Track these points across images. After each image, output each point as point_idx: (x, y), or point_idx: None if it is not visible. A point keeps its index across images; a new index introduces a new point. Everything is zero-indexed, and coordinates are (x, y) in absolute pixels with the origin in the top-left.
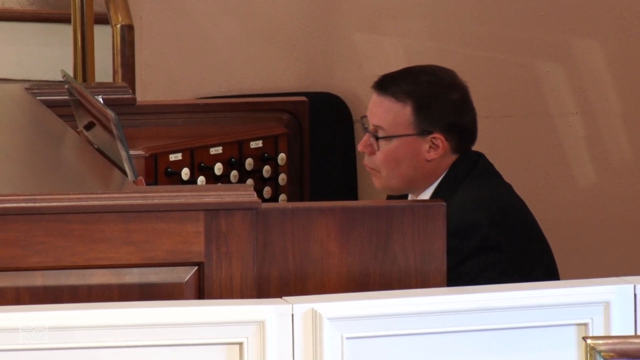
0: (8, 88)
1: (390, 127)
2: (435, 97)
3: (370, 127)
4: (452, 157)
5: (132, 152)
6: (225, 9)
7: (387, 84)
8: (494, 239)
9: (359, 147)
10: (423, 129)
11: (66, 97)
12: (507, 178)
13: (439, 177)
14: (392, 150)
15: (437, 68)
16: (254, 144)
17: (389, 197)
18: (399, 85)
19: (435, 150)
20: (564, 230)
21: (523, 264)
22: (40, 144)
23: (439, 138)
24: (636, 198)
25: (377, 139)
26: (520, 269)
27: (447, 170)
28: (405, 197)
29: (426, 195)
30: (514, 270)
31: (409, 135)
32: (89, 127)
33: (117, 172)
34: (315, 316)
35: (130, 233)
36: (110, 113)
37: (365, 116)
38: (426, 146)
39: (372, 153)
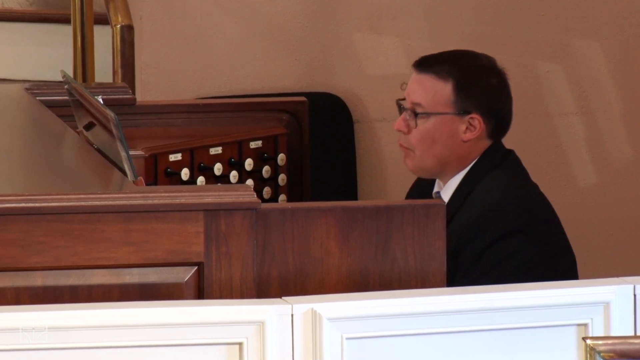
0: (8, 88)
1: (429, 104)
2: (477, 79)
3: (409, 105)
4: (486, 143)
5: (132, 152)
6: (226, 10)
7: (429, 63)
8: (521, 225)
9: (395, 126)
10: (462, 108)
11: (66, 97)
12: None
13: (470, 163)
14: (429, 128)
15: (479, 53)
16: (253, 144)
17: (419, 180)
18: (441, 65)
19: (472, 132)
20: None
21: (549, 256)
22: (40, 144)
23: (476, 119)
24: (636, 198)
25: (415, 115)
26: (546, 260)
27: (479, 156)
28: (433, 182)
29: (456, 180)
30: (539, 260)
31: (447, 113)
32: (89, 127)
33: (117, 172)
34: (315, 316)
35: (130, 233)
36: (110, 113)
37: (402, 98)
38: (463, 127)
39: (408, 132)
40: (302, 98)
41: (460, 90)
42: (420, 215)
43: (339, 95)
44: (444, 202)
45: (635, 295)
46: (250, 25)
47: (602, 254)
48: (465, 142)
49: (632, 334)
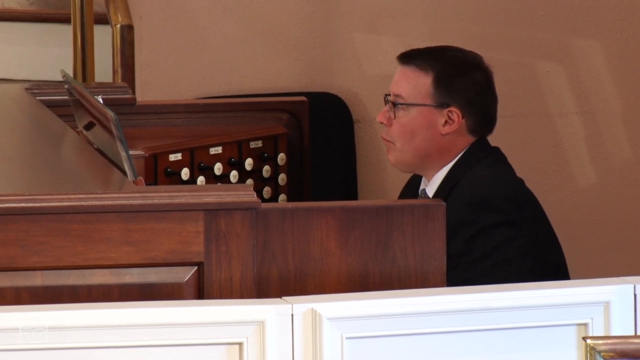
0: (8, 88)
1: (409, 95)
2: (458, 73)
3: (391, 97)
4: (469, 139)
5: (132, 152)
6: (226, 9)
7: (412, 55)
8: (510, 216)
9: (378, 118)
10: (441, 101)
11: (66, 97)
12: None
13: (453, 158)
14: (409, 120)
15: (465, 50)
16: (253, 144)
17: (410, 181)
18: (424, 57)
19: (450, 125)
20: (564, 230)
21: (539, 247)
22: (40, 144)
23: (455, 112)
24: (636, 198)
25: (395, 105)
26: (537, 251)
27: (462, 152)
28: (420, 177)
29: (440, 175)
30: (528, 251)
31: (426, 105)
32: (88, 127)
33: (117, 172)
34: (315, 316)
35: (130, 233)
36: (110, 113)
37: (389, 93)
38: (442, 120)
39: (390, 124)
40: (302, 98)
41: (440, 82)
42: (420, 215)
43: (339, 95)
44: (444, 203)
45: (635, 295)
46: (250, 25)
47: (602, 254)
48: (444, 135)
49: (632, 333)
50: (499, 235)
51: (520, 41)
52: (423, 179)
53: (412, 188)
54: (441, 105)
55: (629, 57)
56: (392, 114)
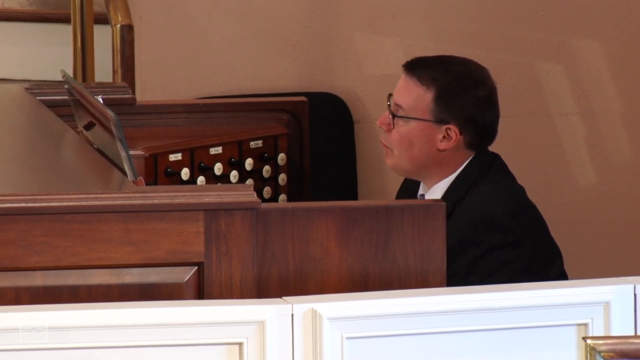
0: (8, 88)
1: (409, 108)
2: (460, 90)
3: (392, 105)
4: (468, 153)
5: (132, 152)
6: (225, 9)
7: (416, 66)
8: (514, 234)
9: (378, 122)
10: (440, 117)
11: (66, 97)
12: None
13: (454, 171)
14: (407, 131)
15: (472, 63)
16: (254, 144)
17: (406, 182)
18: (427, 70)
19: (448, 142)
20: (563, 230)
21: (540, 262)
22: (40, 144)
23: (453, 130)
24: (636, 198)
25: (394, 116)
26: (538, 267)
27: (463, 166)
28: (418, 182)
29: (441, 186)
30: (532, 267)
31: (424, 120)
32: (88, 127)
33: (117, 172)
34: (315, 316)
35: (130, 233)
36: (110, 113)
37: (391, 94)
38: (440, 135)
39: (389, 131)
40: (302, 98)
41: (440, 99)
42: (420, 215)
43: (339, 95)
44: (444, 202)
45: (635, 295)
46: (250, 25)
47: (602, 254)
48: (441, 150)
49: (632, 334)
50: (503, 255)
51: (520, 41)
52: (422, 184)
53: (407, 190)
54: (440, 121)
55: (629, 57)
56: (392, 122)
